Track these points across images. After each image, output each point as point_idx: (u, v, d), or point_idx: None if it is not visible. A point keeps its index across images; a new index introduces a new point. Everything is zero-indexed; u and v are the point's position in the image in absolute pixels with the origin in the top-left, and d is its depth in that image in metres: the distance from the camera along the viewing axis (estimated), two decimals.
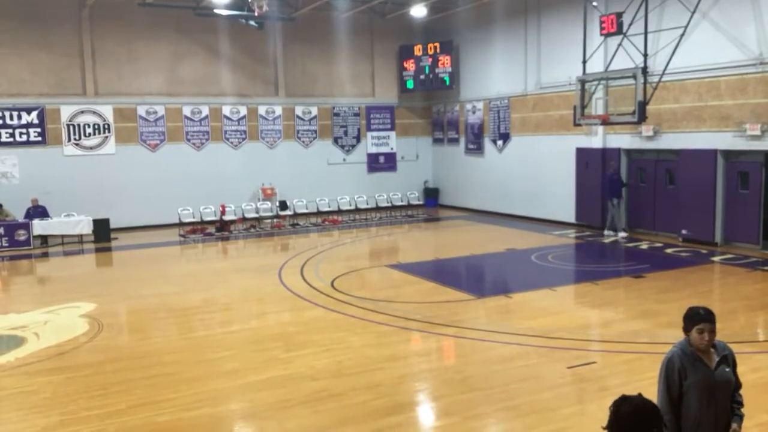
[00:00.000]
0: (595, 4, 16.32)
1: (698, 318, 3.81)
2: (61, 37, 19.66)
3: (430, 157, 25.60)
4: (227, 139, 22.02)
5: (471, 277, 14.02)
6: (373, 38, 24.08)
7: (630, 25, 14.38)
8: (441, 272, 13.92)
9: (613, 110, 15.14)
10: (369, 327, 9.60)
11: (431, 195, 25.18)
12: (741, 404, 3.94)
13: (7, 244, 17.18)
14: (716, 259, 13.97)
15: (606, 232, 17.35)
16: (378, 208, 23.10)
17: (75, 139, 19.98)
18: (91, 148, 20.21)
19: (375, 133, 24.49)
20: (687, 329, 3.86)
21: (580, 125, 16.00)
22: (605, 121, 15.09)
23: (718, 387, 3.78)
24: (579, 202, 18.70)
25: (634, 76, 13.96)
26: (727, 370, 3.84)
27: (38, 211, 18.24)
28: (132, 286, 12.85)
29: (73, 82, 19.95)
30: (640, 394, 2.91)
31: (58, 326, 10.13)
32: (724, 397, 3.82)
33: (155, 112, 20.96)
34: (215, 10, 19.83)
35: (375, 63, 24.36)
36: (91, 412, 6.71)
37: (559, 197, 19.33)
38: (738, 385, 3.96)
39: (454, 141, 24.29)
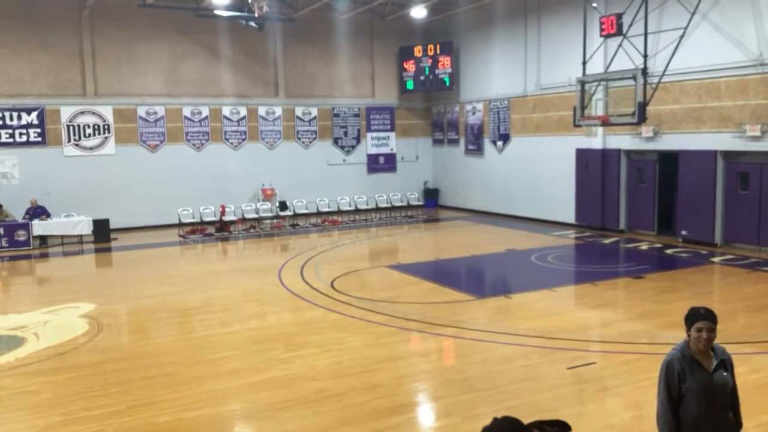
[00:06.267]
0: (594, 5, 16.33)
1: (698, 316, 3.81)
2: (61, 37, 19.66)
3: (430, 158, 25.61)
4: (227, 140, 22.03)
5: (471, 278, 14.02)
6: (373, 39, 24.09)
7: (630, 26, 14.39)
8: (441, 273, 13.92)
9: (613, 111, 15.16)
10: (369, 327, 9.59)
11: (431, 196, 25.18)
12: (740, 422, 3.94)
13: (6, 245, 17.18)
14: (716, 259, 13.97)
15: None
16: (378, 209, 23.11)
17: (75, 140, 19.98)
18: (91, 148, 20.20)
19: (375, 134, 24.50)
20: (688, 329, 3.86)
21: (580, 126, 16.00)
22: (605, 122, 15.10)
23: (716, 391, 3.79)
24: (579, 203, 18.70)
25: (634, 77, 13.97)
26: (725, 374, 3.84)
27: (38, 212, 18.22)
28: (132, 287, 12.85)
29: (73, 83, 19.96)
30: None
31: (57, 326, 10.12)
32: (722, 401, 3.83)
33: (155, 113, 20.96)
34: (215, 11, 19.84)
35: (375, 64, 24.36)
36: (91, 413, 6.70)
37: (559, 198, 19.34)
38: (734, 392, 3.94)
39: (454, 142, 24.29)
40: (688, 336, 3.86)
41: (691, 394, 3.77)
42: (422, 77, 23.76)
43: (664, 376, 3.84)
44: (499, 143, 21.91)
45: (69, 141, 19.91)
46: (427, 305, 10.73)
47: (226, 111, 21.95)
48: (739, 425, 3.92)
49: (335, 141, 23.81)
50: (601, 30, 14.76)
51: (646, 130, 16.29)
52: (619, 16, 14.34)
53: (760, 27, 13.90)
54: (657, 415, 3.90)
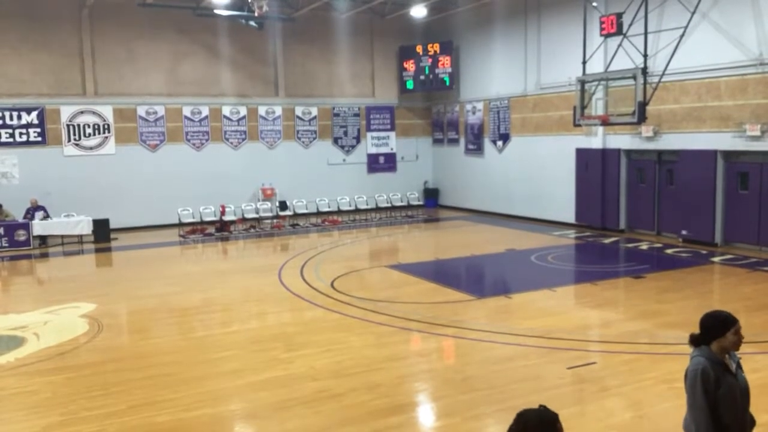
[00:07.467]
0: (595, 4, 16.33)
1: (732, 319, 3.81)
2: (61, 37, 19.66)
3: (430, 158, 25.60)
4: (227, 140, 22.02)
5: (471, 278, 14.02)
6: (373, 38, 24.08)
7: (630, 25, 14.39)
8: (441, 273, 13.92)
9: (613, 111, 15.15)
10: (369, 327, 9.59)
11: (431, 195, 25.18)
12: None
13: (6, 245, 17.17)
14: (716, 259, 13.97)
15: None
16: (378, 209, 23.11)
17: (75, 140, 19.98)
18: (91, 148, 20.20)
19: (375, 134, 24.49)
20: (715, 335, 3.81)
21: (580, 126, 16.00)
22: (605, 122, 15.10)
23: (742, 393, 3.81)
24: (579, 203, 18.70)
25: (634, 77, 13.96)
26: (743, 375, 3.87)
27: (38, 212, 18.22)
28: (132, 287, 12.85)
29: (73, 83, 19.95)
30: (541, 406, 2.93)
31: (58, 326, 10.12)
32: (747, 401, 3.87)
33: (155, 113, 20.96)
34: (215, 11, 19.84)
35: (375, 63, 24.35)
36: (91, 412, 6.70)
37: (559, 198, 19.34)
38: None
39: (454, 141, 24.29)
40: (710, 341, 3.82)
41: (724, 398, 3.76)
42: (422, 77, 23.76)
43: (701, 384, 3.75)
44: (499, 143, 21.90)
45: (69, 141, 19.91)
46: (427, 305, 10.73)
47: (226, 111, 21.95)
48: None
49: (335, 140, 23.81)
50: (601, 29, 14.75)
51: (646, 130, 16.28)
52: (619, 15, 14.33)
53: (760, 26, 13.90)
54: (695, 425, 3.82)
